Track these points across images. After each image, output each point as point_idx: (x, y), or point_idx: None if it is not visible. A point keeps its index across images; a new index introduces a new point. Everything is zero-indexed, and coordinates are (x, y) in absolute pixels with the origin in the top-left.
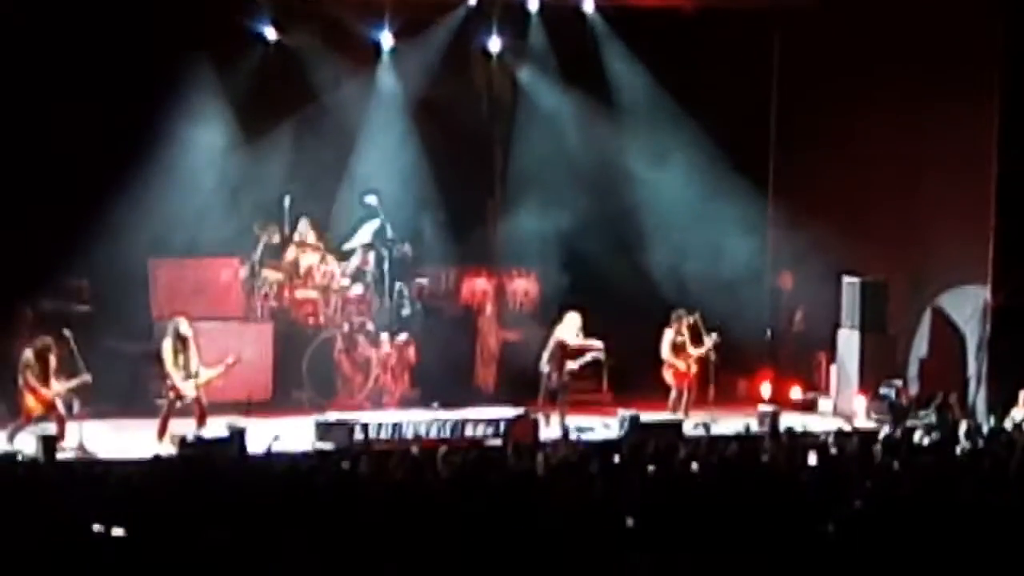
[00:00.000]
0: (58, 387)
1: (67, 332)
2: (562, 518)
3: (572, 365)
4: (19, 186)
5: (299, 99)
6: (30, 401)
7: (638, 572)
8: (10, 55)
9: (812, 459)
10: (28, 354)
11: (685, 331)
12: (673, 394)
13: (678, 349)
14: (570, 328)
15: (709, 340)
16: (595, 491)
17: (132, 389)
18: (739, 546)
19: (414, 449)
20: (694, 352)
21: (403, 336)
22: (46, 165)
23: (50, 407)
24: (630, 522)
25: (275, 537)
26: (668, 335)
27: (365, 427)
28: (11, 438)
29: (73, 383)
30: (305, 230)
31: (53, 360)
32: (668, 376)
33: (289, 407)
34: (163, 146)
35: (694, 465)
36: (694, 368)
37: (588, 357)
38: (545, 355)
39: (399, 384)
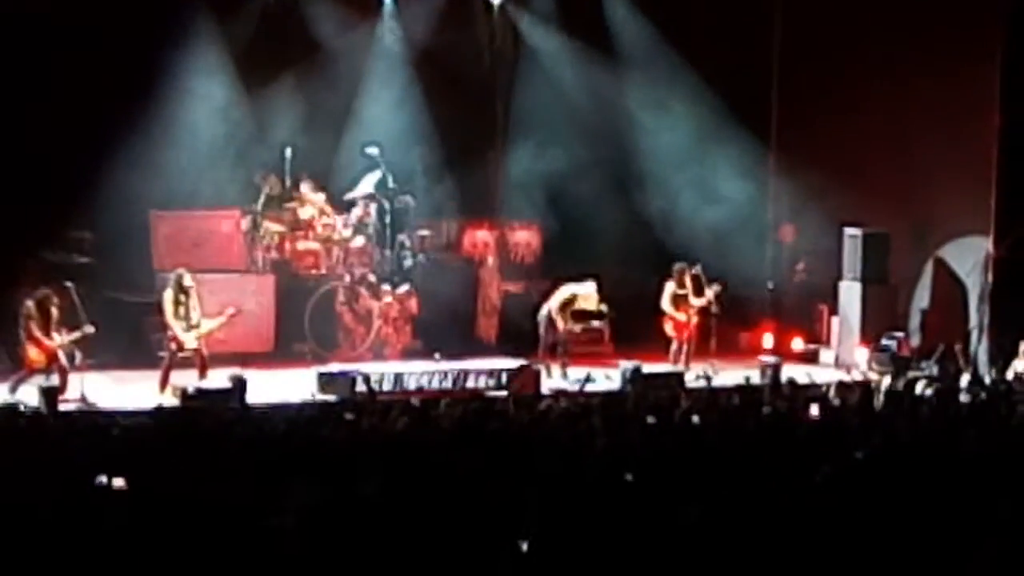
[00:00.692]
0: (60, 339)
1: (69, 284)
2: (563, 469)
3: (575, 327)
4: (21, 138)
5: (301, 50)
6: (32, 352)
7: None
8: (11, 6)
9: (814, 410)
10: (30, 305)
11: (688, 283)
12: (674, 346)
13: (679, 301)
14: (585, 295)
15: (710, 291)
16: (596, 442)
17: (134, 341)
18: (740, 497)
19: (414, 400)
20: (696, 303)
21: (405, 287)
22: (48, 117)
23: (52, 358)
24: (629, 476)
25: (277, 488)
26: (669, 287)
27: (367, 378)
28: (13, 389)
29: (76, 335)
30: (307, 190)
31: (55, 311)
32: (668, 328)
33: (291, 359)
34: (165, 98)
35: (695, 417)
36: (695, 319)
37: (594, 324)
38: (553, 307)
39: (401, 336)
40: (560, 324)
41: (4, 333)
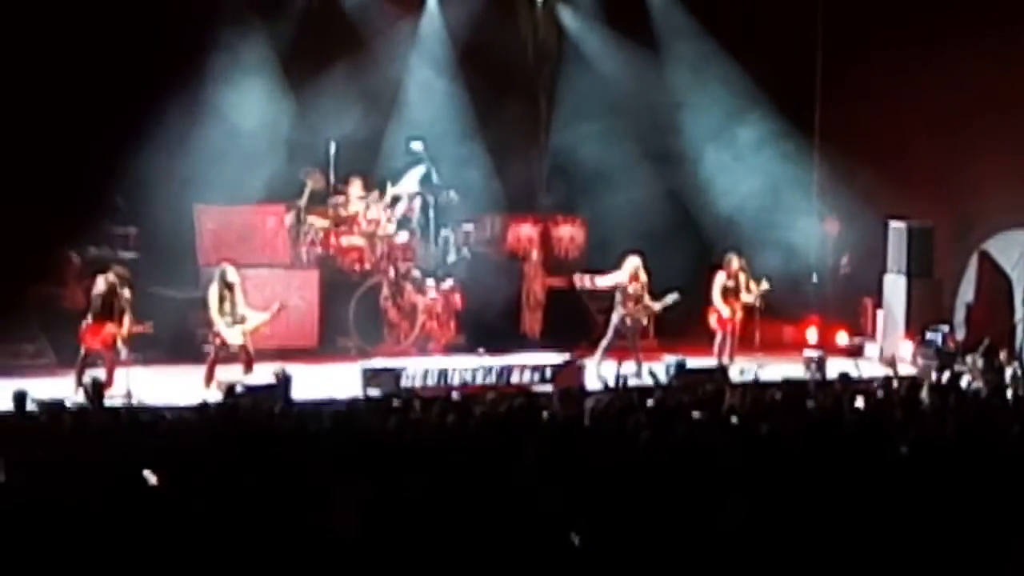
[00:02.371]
0: (121, 325)
1: (115, 278)
2: (608, 464)
3: (656, 305)
4: (65, 134)
5: (345, 45)
6: (90, 337)
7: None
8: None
9: (859, 403)
10: (100, 283)
11: (740, 275)
12: (718, 338)
13: (727, 294)
14: (626, 274)
15: (758, 288)
16: (641, 437)
17: (179, 336)
18: (785, 492)
19: (455, 395)
20: (746, 299)
21: (449, 282)
22: (94, 113)
23: (110, 343)
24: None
25: (322, 484)
26: (720, 278)
27: (411, 374)
28: (79, 377)
29: (138, 327)
30: (353, 185)
31: (127, 295)
32: (712, 320)
33: (335, 354)
34: (210, 93)
35: (740, 412)
36: (739, 314)
37: (669, 300)
38: (610, 292)
39: (445, 330)
40: (630, 312)
41: (50, 328)
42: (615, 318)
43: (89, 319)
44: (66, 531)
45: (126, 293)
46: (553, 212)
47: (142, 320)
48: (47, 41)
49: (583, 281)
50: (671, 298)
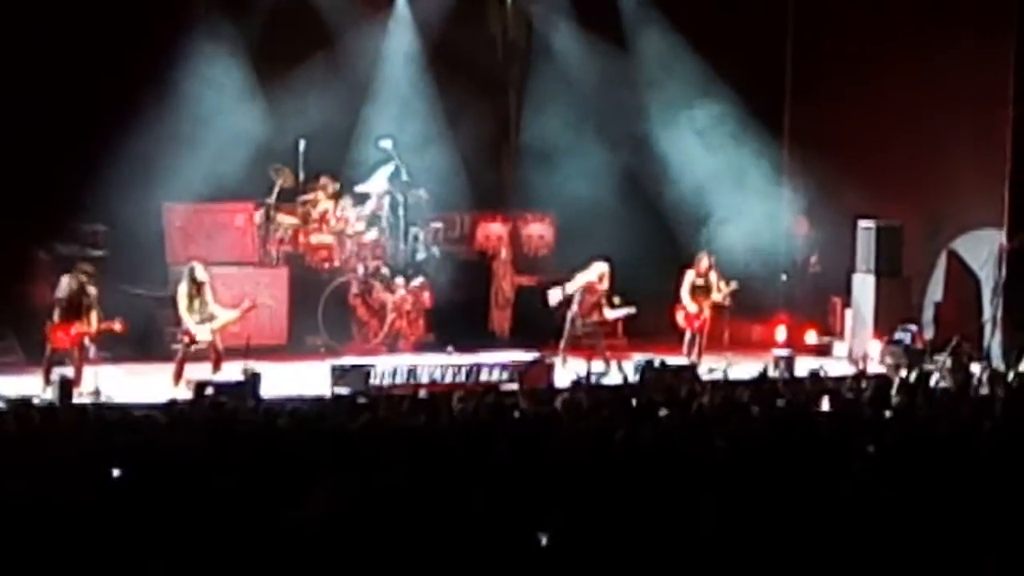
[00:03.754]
0: (89, 324)
1: (83, 276)
2: (575, 462)
3: (610, 313)
4: (33, 131)
5: (314, 42)
6: (59, 336)
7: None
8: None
9: (825, 404)
10: (65, 282)
11: (710, 274)
12: (687, 336)
13: (696, 292)
14: (595, 275)
15: (727, 288)
16: (614, 435)
17: (147, 334)
18: (754, 491)
19: (422, 393)
20: (715, 298)
21: (418, 280)
22: (60, 110)
23: (76, 342)
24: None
25: (291, 482)
26: (689, 276)
27: (380, 372)
28: (47, 375)
29: (106, 324)
30: (322, 183)
31: (93, 293)
32: (679, 317)
33: (304, 352)
34: (178, 91)
35: (708, 409)
36: (707, 313)
37: (622, 313)
38: (573, 293)
39: (414, 328)
40: (587, 315)
41: (18, 325)
42: (568, 316)
43: (56, 318)
44: (33, 528)
45: (92, 291)
46: (522, 210)
47: (110, 317)
48: (15, 40)
49: (559, 296)
50: (625, 311)
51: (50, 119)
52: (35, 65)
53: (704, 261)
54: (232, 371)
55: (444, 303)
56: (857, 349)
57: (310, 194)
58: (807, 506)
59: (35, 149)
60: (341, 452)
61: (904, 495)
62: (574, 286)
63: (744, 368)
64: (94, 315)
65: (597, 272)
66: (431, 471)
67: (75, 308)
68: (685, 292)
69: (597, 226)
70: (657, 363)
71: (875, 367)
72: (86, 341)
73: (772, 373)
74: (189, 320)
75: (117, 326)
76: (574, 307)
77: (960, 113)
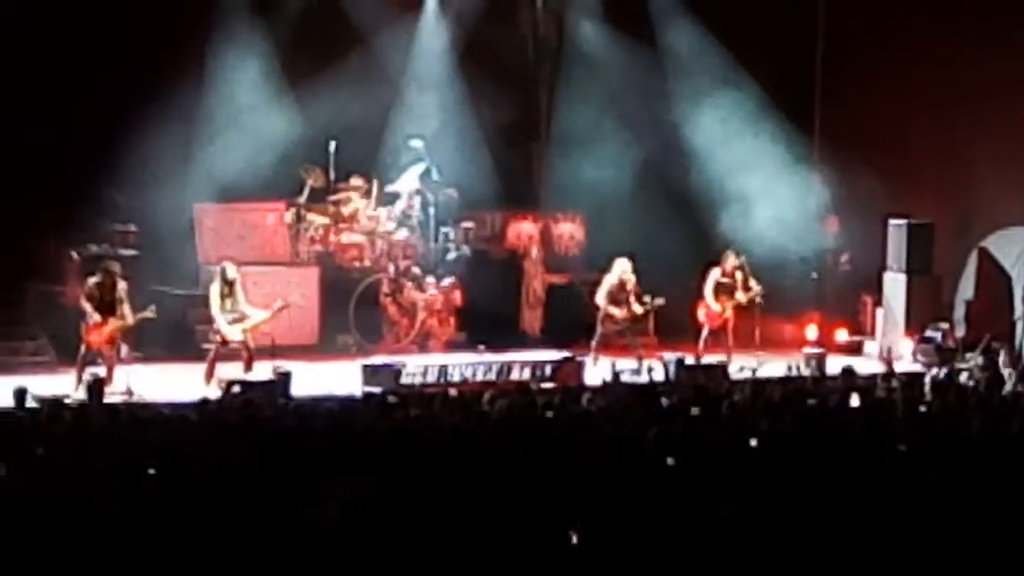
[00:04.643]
0: (122, 318)
1: (111, 273)
2: (608, 460)
3: (638, 308)
4: (66, 132)
5: (345, 42)
6: (93, 336)
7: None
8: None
9: (855, 401)
10: (91, 283)
11: (736, 274)
12: (704, 333)
13: (721, 290)
14: (620, 273)
15: (752, 292)
16: (642, 434)
17: (179, 333)
18: (785, 488)
19: (452, 392)
20: (739, 298)
21: (449, 280)
22: (93, 111)
23: (109, 341)
24: (671, 462)
25: (321, 481)
26: (714, 274)
27: (411, 371)
28: (80, 374)
29: (142, 315)
30: (353, 183)
31: (121, 291)
32: (700, 314)
33: (335, 351)
34: (209, 91)
35: (739, 408)
36: (729, 312)
37: (652, 304)
38: (601, 296)
39: (445, 328)
40: (617, 312)
41: (50, 327)
42: (599, 316)
43: (89, 318)
44: (65, 528)
45: (123, 285)
46: (553, 209)
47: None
48: (47, 39)
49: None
50: (655, 302)
51: (82, 120)
52: (67, 66)
53: (731, 260)
54: (264, 371)
55: (475, 302)
56: (888, 347)
57: (340, 194)
58: (838, 505)
59: (67, 150)
60: (371, 451)
61: (935, 494)
62: (602, 295)
63: (775, 367)
64: (127, 309)
65: (619, 272)
66: (461, 470)
67: (108, 304)
68: (709, 290)
69: (627, 225)
70: (688, 362)
71: (905, 365)
72: (118, 340)
73: (803, 372)
74: (221, 320)
75: (150, 313)
76: (603, 308)
77: (991, 111)
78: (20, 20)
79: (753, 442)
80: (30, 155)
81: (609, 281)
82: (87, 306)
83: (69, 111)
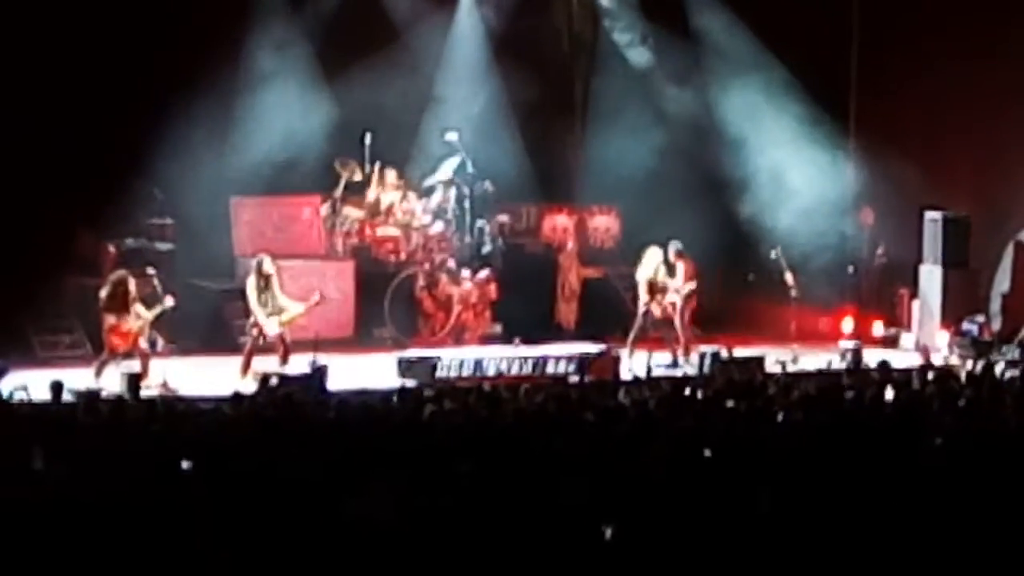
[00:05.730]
0: (141, 317)
1: (150, 270)
2: (643, 454)
3: (672, 297)
4: (102, 126)
5: (381, 36)
6: (113, 338)
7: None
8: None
9: (889, 394)
10: (105, 289)
11: (679, 264)
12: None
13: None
14: (651, 265)
15: (789, 279)
16: (679, 426)
17: (215, 326)
18: (821, 481)
19: (485, 386)
20: (672, 285)
21: (484, 273)
22: (130, 105)
23: (133, 342)
24: (708, 454)
25: (357, 474)
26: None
27: (446, 364)
28: (98, 373)
29: (155, 311)
30: (388, 176)
31: (133, 292)
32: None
33: (371, 344)
34: (246, 85)
35: (776, 401)
36: (667, 302)
37: (685, 290)
38: (641, 295)
39: (480, 321)
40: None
41: (88, 320)
42: (640, 308)
43: (106, 321)
44: (102, 520)
45: (132, 292)
46: (588, 202)
47: (156, 302)
48: (86, 35)
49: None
50: (687, 287)
51: (118, 114)
52: (105, 61)
53: (671, 250)
54: (300, 364)
55: (510, 295)
56: (924, 340)
57: (376, 187)
58: (874, 499)
59: (104, 144)
60: (407, 444)
61: (971, 488)
62: (643, 288)
63: (811, 360)
64: (140, 307)
65: (653, 264)
66: (496, 463)
67: (119, 304)
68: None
69: (662, 218)
70: (724, 355)
71: (940, 358)
72: (141, 340)
73: (839, 365)
74: (260, 313)
75: (169, 301)
76: (642, 300)
77: None
78: (59, 17)
79: (787, 435)
80: (68, 150)
81: (645, 274)
82: (103, 315)
83: (106, 106)
